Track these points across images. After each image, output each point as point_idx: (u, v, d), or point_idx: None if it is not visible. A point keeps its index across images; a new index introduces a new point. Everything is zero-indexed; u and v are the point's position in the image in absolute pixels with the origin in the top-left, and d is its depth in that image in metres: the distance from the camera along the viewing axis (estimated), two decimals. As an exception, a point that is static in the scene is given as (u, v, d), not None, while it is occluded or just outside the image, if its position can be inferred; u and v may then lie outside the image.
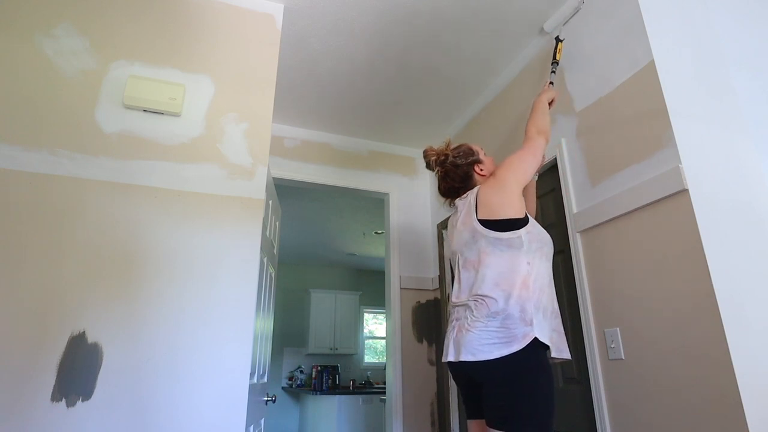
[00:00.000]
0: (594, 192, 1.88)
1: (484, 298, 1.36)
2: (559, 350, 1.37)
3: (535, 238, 1.42)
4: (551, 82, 1.95)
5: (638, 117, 1.70)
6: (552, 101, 1.81)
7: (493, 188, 1.48)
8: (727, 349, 1.32)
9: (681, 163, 1.51)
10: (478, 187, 1.54)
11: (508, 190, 1.45)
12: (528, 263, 1.38)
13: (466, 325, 1.37)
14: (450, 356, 1.39)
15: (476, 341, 1.31)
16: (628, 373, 1.64)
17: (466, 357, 1.32)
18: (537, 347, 1.30)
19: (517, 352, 1.27)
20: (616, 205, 1.74)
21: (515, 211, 1.43)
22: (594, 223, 1.85)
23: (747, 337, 1.36)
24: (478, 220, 1.45)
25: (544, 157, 1.65)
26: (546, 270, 1.43)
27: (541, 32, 2.33)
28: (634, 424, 1.59)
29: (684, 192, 1.49)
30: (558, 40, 2.05)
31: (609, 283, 1.77)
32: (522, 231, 1.41)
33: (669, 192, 1.53)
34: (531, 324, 1.30)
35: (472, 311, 1.37)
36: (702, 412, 1.38)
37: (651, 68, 1.66)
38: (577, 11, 2.06)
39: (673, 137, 1.55)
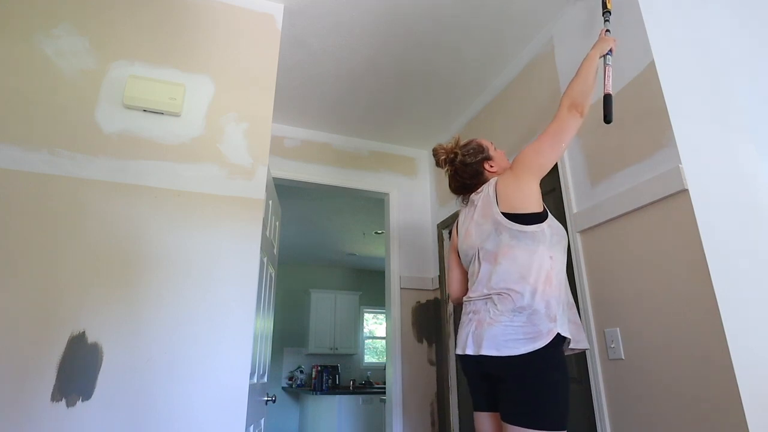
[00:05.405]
0: (594, 192, 1.88)
1: (508, 291, 1.33)
2: (576, 341, 1.36)
3: (556, 231, 1.41)
4: (608, 30, 1.78)
5: (638, 117, 1.70)
6: (611, 50, 1.68)
7: (511, 184, 1.45)
8: (727, 348, 1.32)
9: (681, 163, 1.51)
10: (495, 179, 1.51)
11: (525, 187, 1.42)
12: (551, 257, 1.36)
13: (487, 318, 1.33)
14: (468, 350, 1.35)
15: (501, 336, 1.29)
16: (628, 373, 1.64)
17: (489, 351, 1.29)
18: (559, 343, 1.29)
19: (541, 348, 1.25)
20: (616, 205, 1.74)
21: (534, 206, 1.41)
22: (594, 223, 1.85)
23: (747, 337, 1.36)
24: (501, 212, 1.42)
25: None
26: (564, 263, 1.42)
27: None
28: (634, 424, 1.59)
29: (684, 192, 1.49)
30: None
31: (609, 283, 1.77)
32: (545, 224, 1.39)
33: (669, 192, 1.53)
34: (555, 320, 1.29)
35: (495, 305, 1.34)
36: (702, 412, 1.38)
37: (651, 68, 1.66)
38: None
39: (673, 137, 1.55)
